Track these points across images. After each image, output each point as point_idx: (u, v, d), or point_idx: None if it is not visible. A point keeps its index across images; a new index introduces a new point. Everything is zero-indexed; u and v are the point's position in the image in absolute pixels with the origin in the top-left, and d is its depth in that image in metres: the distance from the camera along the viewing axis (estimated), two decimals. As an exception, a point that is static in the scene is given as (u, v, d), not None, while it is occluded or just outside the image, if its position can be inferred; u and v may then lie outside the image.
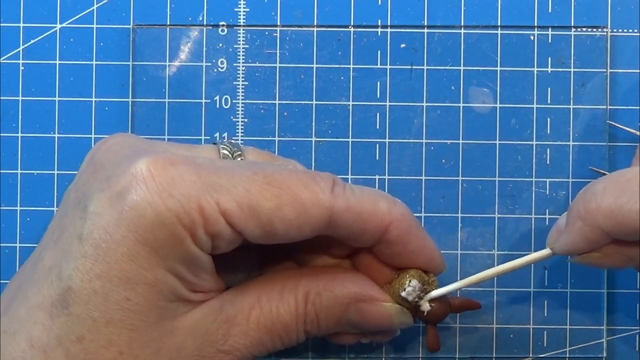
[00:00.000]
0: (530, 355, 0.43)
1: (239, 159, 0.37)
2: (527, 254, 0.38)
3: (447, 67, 0.44)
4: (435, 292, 0.38)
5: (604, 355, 0.43)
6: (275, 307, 0.36)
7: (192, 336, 0.35)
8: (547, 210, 0.43)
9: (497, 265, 0.39)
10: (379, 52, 0.44)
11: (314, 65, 0.43)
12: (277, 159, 0.39)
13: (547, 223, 0.43)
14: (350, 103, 0.43)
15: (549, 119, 0.43)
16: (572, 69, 0.43)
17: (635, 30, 0.44)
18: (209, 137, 0.43)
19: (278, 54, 0.43)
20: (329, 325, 0.37)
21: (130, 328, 0.33)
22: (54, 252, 0.34)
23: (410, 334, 0.43)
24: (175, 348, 0.34)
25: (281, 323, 0.36)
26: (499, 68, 0.43)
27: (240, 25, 0.44)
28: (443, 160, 0.43)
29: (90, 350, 0.33)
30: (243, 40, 0.44)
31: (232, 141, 0.38)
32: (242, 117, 0.43)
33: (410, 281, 0.37)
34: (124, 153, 0.35)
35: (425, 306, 0.38)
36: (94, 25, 0.44)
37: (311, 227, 0.34)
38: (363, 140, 0.43)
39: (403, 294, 0.37)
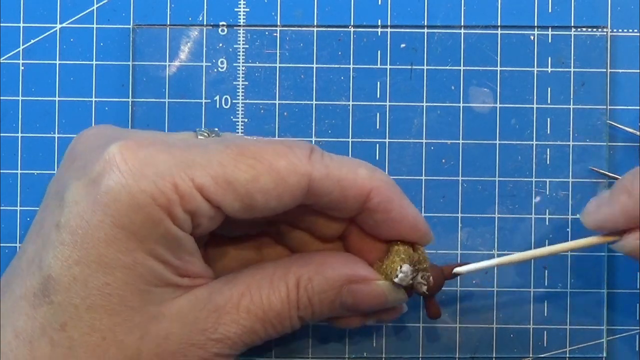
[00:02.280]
0: (530, 355, 0.43)
1: None
2: (571, 242, 0.38)
3: (447, 67, 0.44)
4: (464, 268, 0.38)
5: (604, 355, 0.43)
6: (265, 295, 0.36)
7: (180, 323, 0.34)
8: (547, 210, 0.43)
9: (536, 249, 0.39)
10: (379, 52, 0.44)
11: (314, 65, 0.43)
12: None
13: (547, 223, 0.43)
14: (350, 103, 0.43)
15: (549, 119, 0.43)
16: (572, 69, 0.43)
17: (635, 30, 0.44)
18: (209, 137, 0.43)
19: (278, 54, 0.43)
20: (323, 309, 0.37)
21: (111, 313, 0.33)
22: (34, 244, 0.34)
23: (410, 334, 0.43)
24: (162, 335, 0.34)
25: (273, 311, 0.36)
26: (499, 68, 0.43)
27: (240, 25, 0.44)
28: (443, 160, 0.43)
29: (73, 337, 0.33)
30: (243, 40, 0.44)
31: (211, 129, 0.38)
32: (242, 117, 0.43)
33: (401, 267, 0.36)
34: (98, 142, 0.35)
35: (421, 284, 0.37)
36: (94, 25, 0.44)
37: (291, 196, 0.34)
38: (363, 140, 0.43)
39: (396, 280, 0.36)
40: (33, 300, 0.33)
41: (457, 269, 0.38)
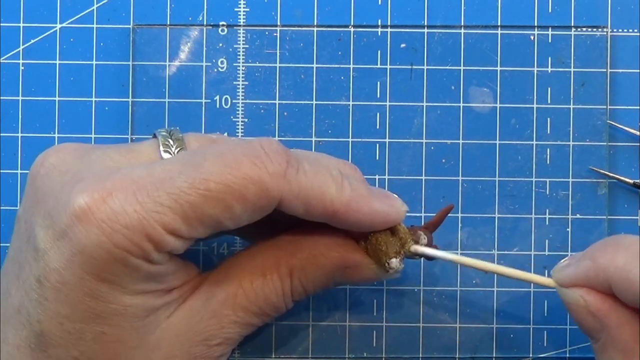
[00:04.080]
0: (530, 355, 0.43)
1: (179, 149, 0.36)
2: (529, 274, 0.38)
3: (447, 67, 0.44)
4: (425, 250, 0.38)
5: (604, 355, 0.43)
6: (260, 290, 0.36)
7: (179, 343, 0.35)
8: (547, 210, 0.43)
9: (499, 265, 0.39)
10: (379, 52, 0.44)
11: (314, 65, 0.43)
12: (219, 141, 0.37)
13: (547, 223, 0.43)
14: (350, 103, 0.43)
15: (549, 119, 0.43)
16: (572, 69, 0.43)
17: (635, 30, 0.44)
18: (209, 137, 0.43)
19: (278, 54, 0.43)
20: (316, 291, 0.37)
21: (112, 357, 0.33)
22: (18, 290, 0.34)
23: (410, 334, 0.43)
24: (164, 358, 0.35)
25: (269, 305, 0.36)
26: (499, 68, 0.43)
27: (240, 25, 0.44)
28: (443, 160, 0.43)
29: None
30: (243, 40, 0.44)
31: (171, 130, 0.37)
32: (242, 117, 0.43)
33: (389, 263, 0.37)
34: (62, 179, 0.34)
35: (413, 254, 0.38)
36: (94, 25, 0.44)
37: (261, 213, 0.34)
38: (363, 140, 0.43)
39: (390, 271, 0.37)
40: (31, 352, 0.33)
41: (416, 248, 0.37)
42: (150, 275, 0.33)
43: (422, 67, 0.43)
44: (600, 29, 0.43)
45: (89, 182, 0.33)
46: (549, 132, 0.43)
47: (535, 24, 0.44)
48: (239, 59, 0.43)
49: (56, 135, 0.43)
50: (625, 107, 0.44)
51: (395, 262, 0.37)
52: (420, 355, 0.43)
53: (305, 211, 0.35)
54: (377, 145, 0.43)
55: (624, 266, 0.34)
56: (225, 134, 0.43)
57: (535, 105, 0.43)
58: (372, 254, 0.37)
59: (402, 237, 0.37)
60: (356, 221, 0.36)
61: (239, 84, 0.43)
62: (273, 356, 0.43)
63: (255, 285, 0.36)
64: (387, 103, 0.43)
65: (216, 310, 0.35)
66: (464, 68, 0.43)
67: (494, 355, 0.43)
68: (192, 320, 0.35)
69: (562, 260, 0.37)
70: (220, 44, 0.44)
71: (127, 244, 0.32)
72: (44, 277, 0.33)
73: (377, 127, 0.43)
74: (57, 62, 0.44)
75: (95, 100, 0.44)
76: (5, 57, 0.44)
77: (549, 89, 0.43)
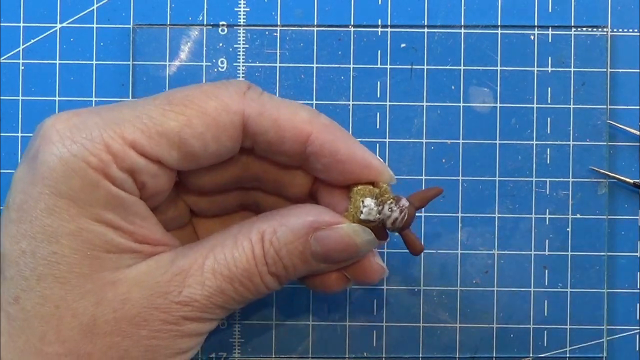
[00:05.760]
0: (530, 355, 0.43)
1: None
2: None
3: (447, 67, 0.44)
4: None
5: (604, 355, 0.43)
6: (229, 253, 0.35)
7: (139, 287, 0.34)
8: (547, 210, 0.43)
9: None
10: (379, 52, 0.44)
11: (314, 65, 0.43)
12: None
13: (547, 223, 0.43)
14: (350, 103, 0.43)
15: (549, 119, 0.43)
16: (572, 69, 0.43)
17: (635, 30, 0.44)
18: (209, 137, 0.43)
19: (278, 54, 0.43)
20: (295, 264, 0.35)
21: (62, 281, 0.33)
22: None
23: (410, 334, 0.43)
24: (119, 299, 0.34)
25: (239, 269, 0.35)
26: (499, 68, 0.43)
27: (240, 25, 0.44)
28: (443, 160, 0.43)
29: (27, 309, 0.33)
30: (243, 40, 0.44)
31: None
32: (242, 117, 0.43)
33: (363, 202, 0.35)
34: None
35: (389, 217, 0.36)
36: (94, 25, 0.44)
37: (228, 136, 0.34)
38: (363, 140, 0.43)
39: (362, 217, 0.35)
40: None
41: (392, 207, 0.36)
42: (112, 201, 0.33)
43: (422, 67, 0.43)
44: (600, 29, 0.43)
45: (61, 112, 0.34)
46: (549, 132, 0.43)
47: (535, 24, 0.44)
48: (239, 58, 0.43)
49: (56, 135, 0.43)
50: (625, 107, 0.44)
51: (369, 201, 0.35)
52: (420, 355, 0.43)
53: (276, 135, 0.34)
54: (377, 145, 0.43)
55: None
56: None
57: (535, 105, 0.43)
58: (349, 215, 0.36)
59: (383, 192, 0.36)
60: (333, 158, 0.35)
61: (239, 84, 0.43)
62: (273, 356, 0.43)
63: (225, 249, 0.35)
64: (387, 103, 0.43)
65: (183, 267, 0.34)
66: (464, 68, 0.43)
67: (494, 355, 0.43)
68: (156, 271, 0.34)
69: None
70: (220, 44, 0.44)
71: (84, 153, 0.32)
72: (12, 200, 0.33)
73: (377, 127, 0.43)
74: (57, 62, 0.44)
75: (95, 100, 0.44)
76: (5, 57, 0.44)
77: (549, 88, 0.43)
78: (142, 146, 0.33)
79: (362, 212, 0.35)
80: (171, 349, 0.34)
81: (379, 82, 0.43)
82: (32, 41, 0.44)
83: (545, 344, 0.43)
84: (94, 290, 0.33)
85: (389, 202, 0.35)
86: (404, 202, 0.36)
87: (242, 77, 0.43)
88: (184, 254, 0.35)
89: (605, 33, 0.43)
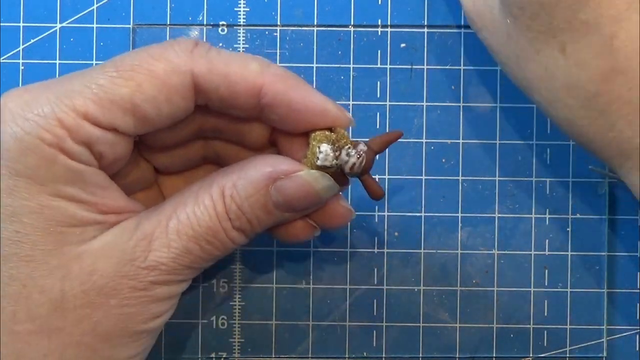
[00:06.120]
0: (530, 355, 0.43)
1: None
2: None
3: (447, 67, 0.44)
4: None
5: (604, 355, 0.43)
6: (191, 212, 0.34)
7: (105, 257, 0.34)
8: (547, 210, 0.43)
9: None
10: (379, 51, 0.44)
11: (314, 65, 0.43)
12: None
13: (547, 223, 0.43)
14: (350, 103, 0.43)
15: (548, 119, 0.43)
16: (572, 69, 0.43)
17: (635, 30, 0.44)
18: (209, 137, 0.43)
19: (278, 54, 0.43)
20: (259, 216, 0.35)
21: (27, 260, 0.33)
22: None
23: (410, 334, 0.43)
24: (86, 272, 0.33)
25: (203, 227, 0.34)
26: (499, 68, 0.43)
27: (240, 25, 0.44)
28: (443, 160, 0.43)
29: None
30: (243, 40, 0.44)
31: None
32: (242, 117, 0.43)
33: (319, 147, 0.35)
34: None
35: (349, 164, 0.35)
36: (94, 25, 0.44)
37: (181, 97, 0.34)
38: (363, 140, 0.43)
39: (319, 163, 0.35)
40: None
41: (350, 151, 0.36)
42: (70, 175, 0.33)
43: (422, 67, 0.43)
44: (600, 29, 0.43)
45: (14, 89, 0.34)
46: (549, 132, 0.43)
47: (535, 24, 0.44)
48: (239, 58, 0.43)
49: (56, 135, 0.43)
50: (625, 107, 0.44)
51: (325, 147, 0.35)
52: (420, 355, 0.43)
53: (228, 90, 0.34)
54: (377, 145, 0.43)
55: None
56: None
57: (535, 105, 0.43)
58: (308, 162, 0.35)
59: (340, 137, 0.36)
60: (287, 108, 0.35)
61: (239, 84, 0.43)
62: (273, 356, 0.43)
63: (187, 208, 0.35)
64: (387, 103, 0.43)
65: (147, 231, 0.34)
66: (464, 68, 0.43)
67: (494, 355, 0.43)
68: (121, 239, 0.34)
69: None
70: (220, 44, 0.44)
71: (37, 130, 0.32)
72: None
73: (377, 126, 0.43)
74: (57, 62, 0.44)
75: (95, 100, 0.44)
76: (5, 57, 0.44)
77: (549, 88, 0.43)
78: (95, 116, 0.33)
79: (318, 158, 0.35)
80: (144, 315, 0.34)
81: (378, 82, 0.43)
82: (32, 41, 0.44)
83: (545, 344, 0.43)
84: (60, 265, 0.33)
85: (346, 147, 0.36)
86: (362, 147, 0.36)
87: (242, 77, 0.43)
88: (148, 218, 0.35)
89: (605, 33, 0.43)
